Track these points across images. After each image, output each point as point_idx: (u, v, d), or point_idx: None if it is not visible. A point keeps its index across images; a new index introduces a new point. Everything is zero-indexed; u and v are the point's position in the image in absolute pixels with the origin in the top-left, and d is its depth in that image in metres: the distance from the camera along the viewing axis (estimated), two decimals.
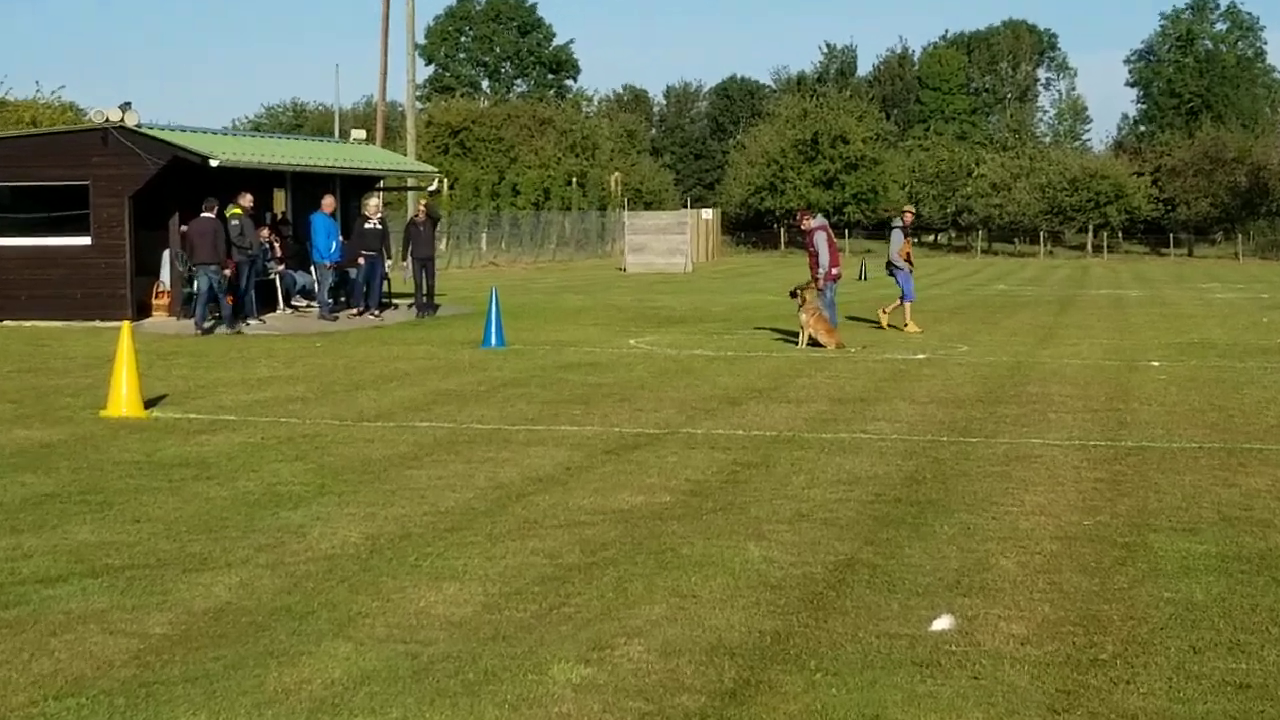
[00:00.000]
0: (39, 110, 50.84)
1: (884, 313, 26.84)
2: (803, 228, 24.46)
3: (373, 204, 29.62)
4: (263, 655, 6.73)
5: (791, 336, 23.59)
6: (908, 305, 26.34)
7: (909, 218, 27.67)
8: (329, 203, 28.11)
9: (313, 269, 29.29)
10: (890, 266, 26.68)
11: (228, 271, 25.21)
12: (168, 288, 27.51)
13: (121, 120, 26.53)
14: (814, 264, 23.50)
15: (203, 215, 24.94)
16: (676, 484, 11.06)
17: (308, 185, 31.46)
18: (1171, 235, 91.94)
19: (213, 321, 25.08)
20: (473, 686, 6.31)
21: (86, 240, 26.81)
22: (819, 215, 24.55)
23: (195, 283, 25.22)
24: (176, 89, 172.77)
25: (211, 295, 24.89)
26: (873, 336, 24.97)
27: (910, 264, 26.60)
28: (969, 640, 7.03)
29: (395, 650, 6.83)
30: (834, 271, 23.59)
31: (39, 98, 52.80)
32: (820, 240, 23.50)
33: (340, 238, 28.38)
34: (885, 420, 14.63)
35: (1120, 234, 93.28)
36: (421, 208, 29.50)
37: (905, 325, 26.08)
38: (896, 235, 26.78)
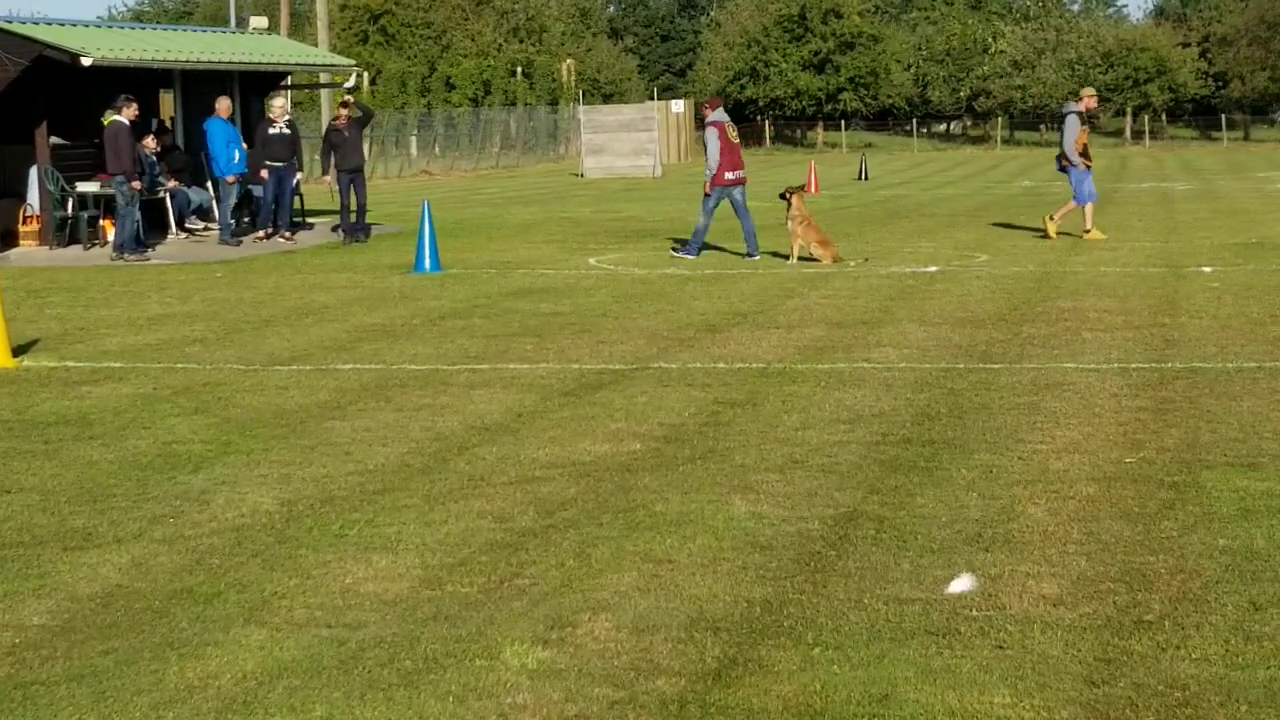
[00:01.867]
0: None
1: (1051, 220, 26.22)
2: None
3: (279, 105, 29.37)
4: (161, 647, 6.73)
5: (781, 251, 23.58)
6: (1089, 207, 25.69)
7: (1091, 104, 26.70)
8: (224, 105, 27.84)
9: (209, 185, 29.14)
10: (1061, 161, 26.03)
11: (135, 185, 25.14)
12: (37, 212, 27.33)
13: None
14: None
15: (113, 118, 24.94)
16: (648, 429, 11.05)
17: (200, 86, 31.29)
18: (1224, 117, 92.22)
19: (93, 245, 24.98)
20: (410, 676, 6.33)
21: None
22: (716, 110, 24.28)
23: (115, 199, 25.36)
24: None
25: (128, 211, 25.02)
26: (908, 246, 24.97)
27: (1088, 159, 25.80)
28: (992, 603, 7.07)
29: (318, 636, 6.83)
30: (728, 176, 23.46)
31: None
32: (709, 137, 23.66)
33: (244, 146, 28.06)
34: (892, 346, 14.65)
35: (1164, 117, 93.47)
36: (344, 108, 28.66)
37: (1086, 232, 25.53)
38: (1072, 122, 25.80)
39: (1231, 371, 12.86)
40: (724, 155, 23.46)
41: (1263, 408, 11.28)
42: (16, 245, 27.00)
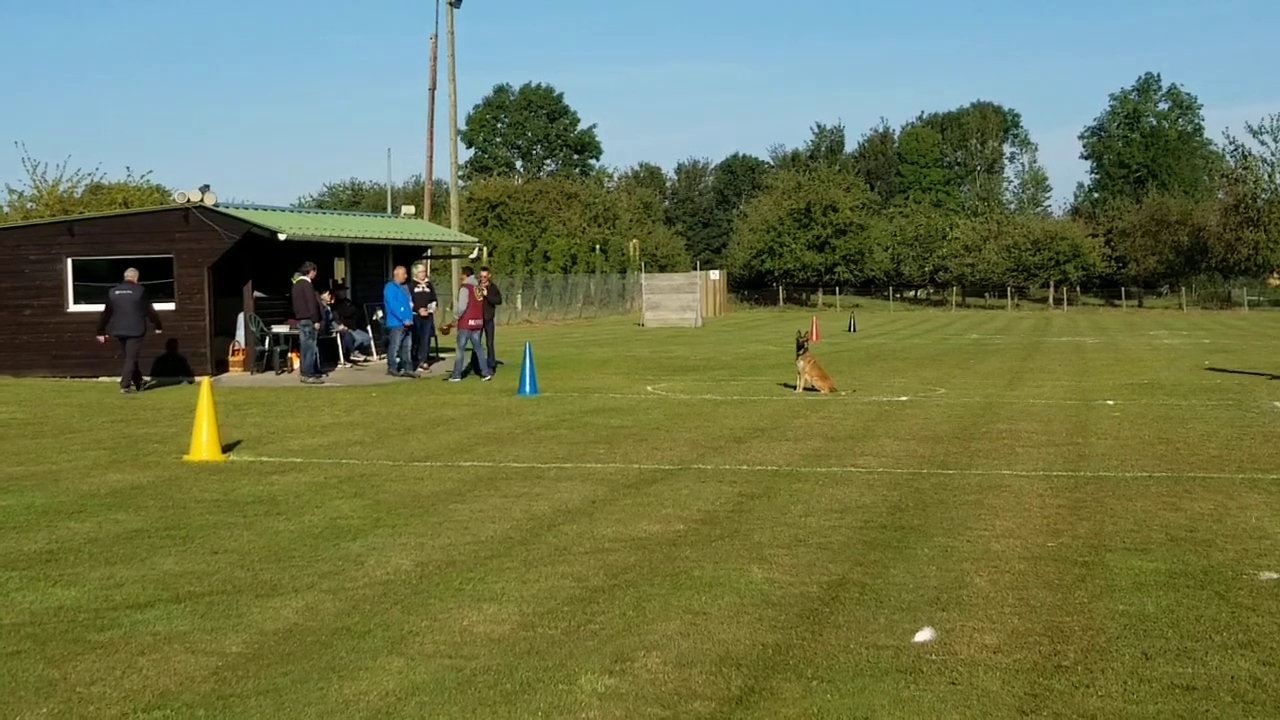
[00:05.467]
0: (130, 192, 51.07)
1: None
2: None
3: (420, 270, 29.65)
4: (326, 670, 6.73)
5: (791, 383, 23.56)
6: None
7: None
8: (400, 273, 27.62)
9: (369, 328, 29.32)
10: None
11: (316, 326, 25.43)
12: (242, 346, 27.60)
13: (201, 200, 26.68)
14: None
15: (300, 278, 25.29)
16: (689, 514, 11.03)
17: (365, 254, 31.71)
18: (1123, 289, 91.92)
19: (287, 373, 25.10)
20: (510, 696, 6.30)
21: (171, 305, 26.92)
22: (470, 276, 26.20)
23: (300, 337, 25.59)
24: (249, 171, 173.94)
25: (314, 346, 25.30)
26: (885, 381, 24.91)
27: None
28: (947, 650, 7.00)
29: (442, 664, 6.82)
30: (470, 323, 25.31)
31: (130, 181, 52.99)
32: (463, 295, 25.59)
33: (410, 304, 27.94)
34: (872, 455, 14.58)
35: (1078, 288, 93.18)
36: (485, 278, 28.54)
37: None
38: None
39: (1128, 479, 12.74)
40: (470, 309, 25.37)
41: (1152, 507, 11.17)
42: (227, 371, 27.26)
